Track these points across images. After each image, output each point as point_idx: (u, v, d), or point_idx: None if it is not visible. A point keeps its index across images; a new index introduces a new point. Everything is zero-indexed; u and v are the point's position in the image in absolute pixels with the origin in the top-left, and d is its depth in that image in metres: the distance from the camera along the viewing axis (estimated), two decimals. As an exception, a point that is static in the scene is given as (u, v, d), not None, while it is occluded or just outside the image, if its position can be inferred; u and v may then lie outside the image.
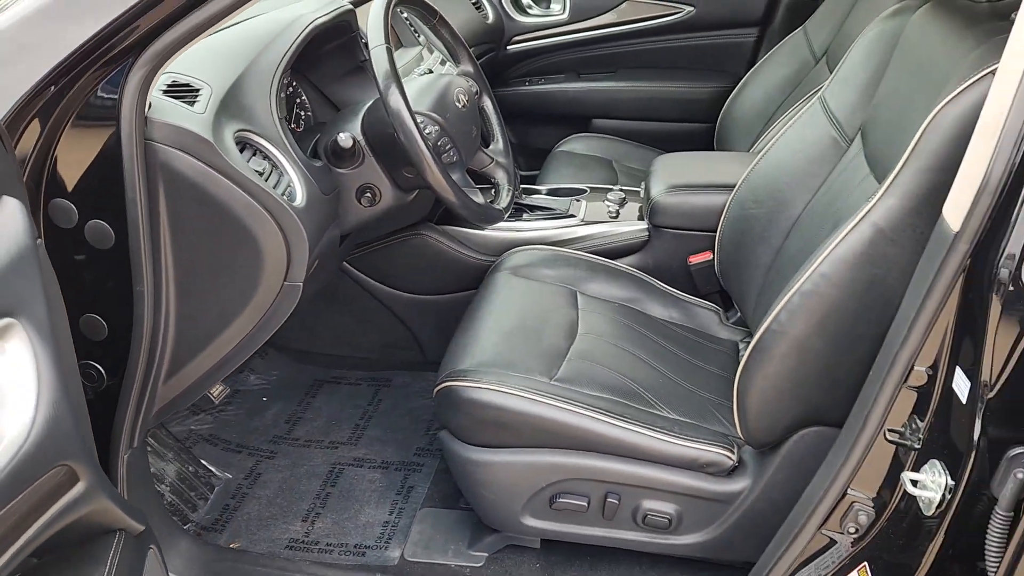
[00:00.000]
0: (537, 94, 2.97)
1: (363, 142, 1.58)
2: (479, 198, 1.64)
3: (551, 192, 2.23)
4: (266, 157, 1.40)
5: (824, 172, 1.62)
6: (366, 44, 1.82)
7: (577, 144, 2.75)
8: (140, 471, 1.48)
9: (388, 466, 1.93)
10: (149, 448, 1.73)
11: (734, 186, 1.83)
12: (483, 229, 2.06)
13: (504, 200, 1.75)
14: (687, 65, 2.93)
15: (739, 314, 1.90)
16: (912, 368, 1.12)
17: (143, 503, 1.47)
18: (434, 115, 1.60)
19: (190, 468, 1.86)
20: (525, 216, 2.10)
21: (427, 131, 1.59)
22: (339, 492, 1.85)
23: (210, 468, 1.90)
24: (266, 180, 1.35)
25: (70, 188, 1.20)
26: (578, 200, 2.16)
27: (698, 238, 1.96)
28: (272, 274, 1.36)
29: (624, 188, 2.18)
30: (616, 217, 2.06)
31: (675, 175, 2.02)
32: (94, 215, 1.21)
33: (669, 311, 1.88)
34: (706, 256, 1.95)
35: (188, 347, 1.39)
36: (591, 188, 2.22)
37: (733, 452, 1.47)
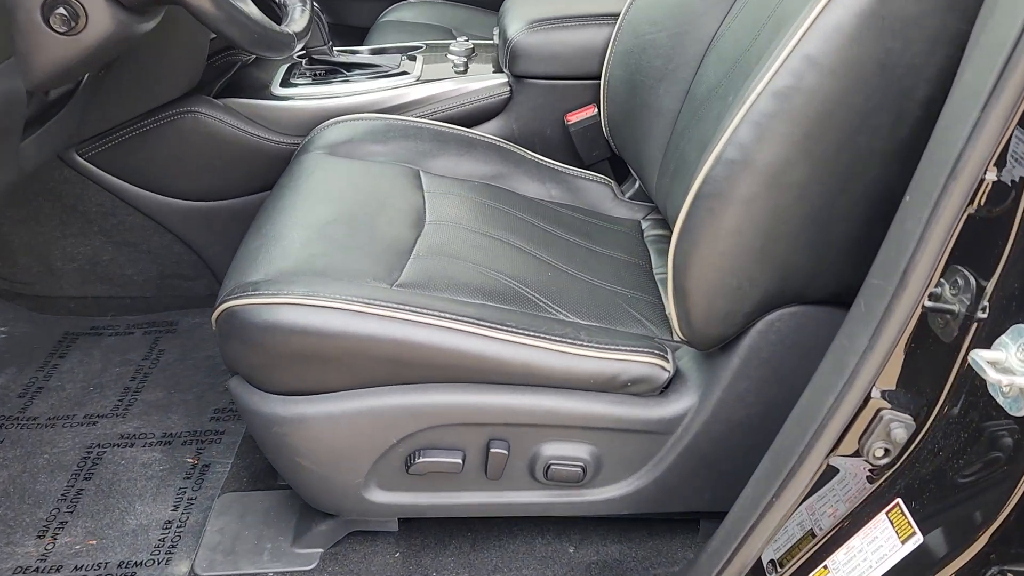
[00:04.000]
0: (349, -45, 2.37)
1: (39, -83, 0.96)
2: (254, 10, 1.05)
3: (375, 53, 1.68)
4: None
5: (747, -35, 1.16)
6: None
7: (405, 12, 2.24)
8: None
9: (172, 440, 1.36)
10: None
11: (616, 15, 1.39)
12: (280, 102, 1.48)
13: (298, 21, 1.17)
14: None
15: (637, 184, 1.44)
16: (984, 180, 0.68)
17: None
18: None
19: None
20: (340, 78, 1.54)
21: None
22: (97, 487, 1.28)
23: None
24: None
25: None
26: (412, 59, 1.62)
27: (576, 88, 1.52)
28: None
29: (473, 39, 1.65)
30: (464, 72, 1.54)
31: (537, 8, 1.52)
32: None
33: (547, 188, 1.41)
34: (589, 111, 1.50)
35: None
36: (428, 44, 1.69)
37: (668, 360, 1.01)
